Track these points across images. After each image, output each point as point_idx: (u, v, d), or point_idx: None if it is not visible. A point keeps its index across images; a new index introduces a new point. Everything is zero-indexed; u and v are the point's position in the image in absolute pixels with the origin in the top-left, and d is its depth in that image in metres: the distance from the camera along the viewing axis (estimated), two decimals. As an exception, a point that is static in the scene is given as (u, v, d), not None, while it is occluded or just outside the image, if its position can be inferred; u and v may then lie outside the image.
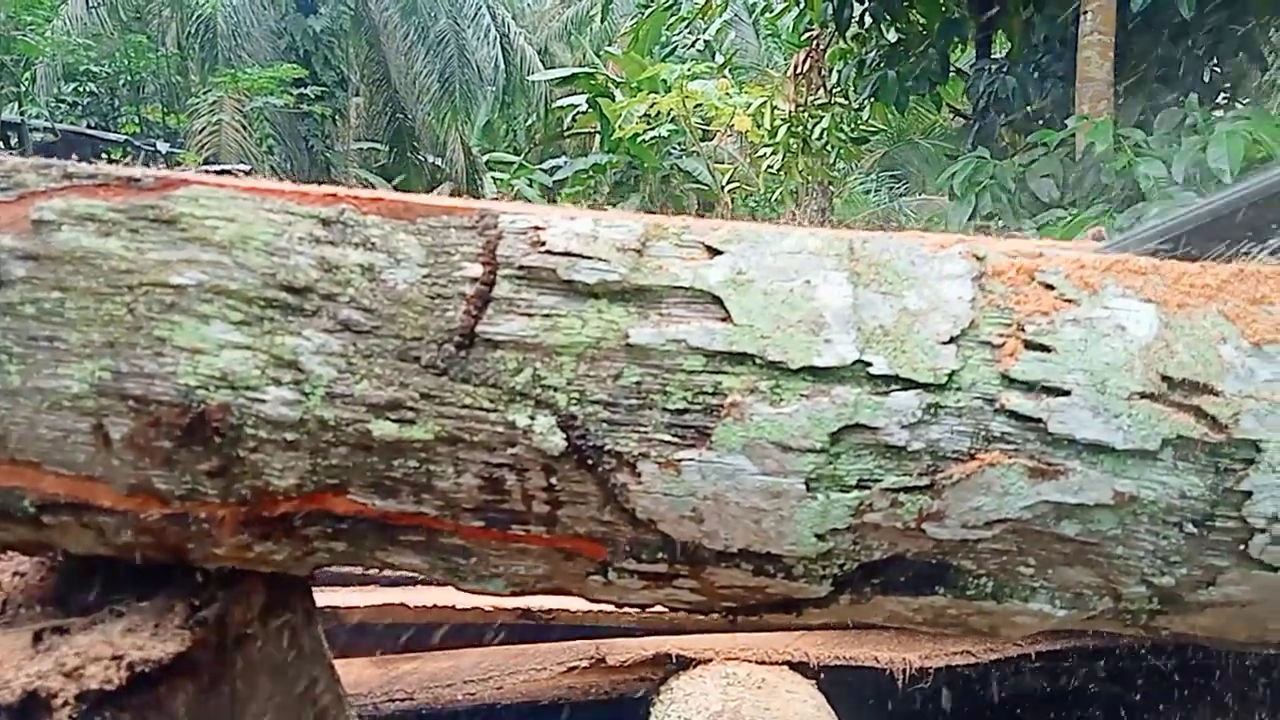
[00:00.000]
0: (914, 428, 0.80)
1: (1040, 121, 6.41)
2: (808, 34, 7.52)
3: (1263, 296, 0.84)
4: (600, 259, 0.79)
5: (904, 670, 1.83)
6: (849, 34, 6.89)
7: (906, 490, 0.81)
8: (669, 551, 0.84)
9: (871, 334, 0.79)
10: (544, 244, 0.79)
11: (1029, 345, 0.81)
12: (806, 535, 0.82)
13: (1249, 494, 0.82)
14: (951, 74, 7.09)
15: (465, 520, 0.82)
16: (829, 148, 7.68)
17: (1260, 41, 6.54)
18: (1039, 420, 0.80)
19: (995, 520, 0.82)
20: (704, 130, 11.45)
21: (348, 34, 14.25)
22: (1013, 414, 0.80)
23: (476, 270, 0.78)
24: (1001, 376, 0.81)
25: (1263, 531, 0.83)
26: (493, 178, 16.42)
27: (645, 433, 0.79)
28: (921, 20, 6.83)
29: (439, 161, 16.11)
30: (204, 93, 13.19)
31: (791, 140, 7.68)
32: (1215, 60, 6.34)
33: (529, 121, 16.62)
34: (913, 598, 0.89)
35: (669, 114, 10.58)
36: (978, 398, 0.81)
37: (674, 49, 12.03)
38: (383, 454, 0.79)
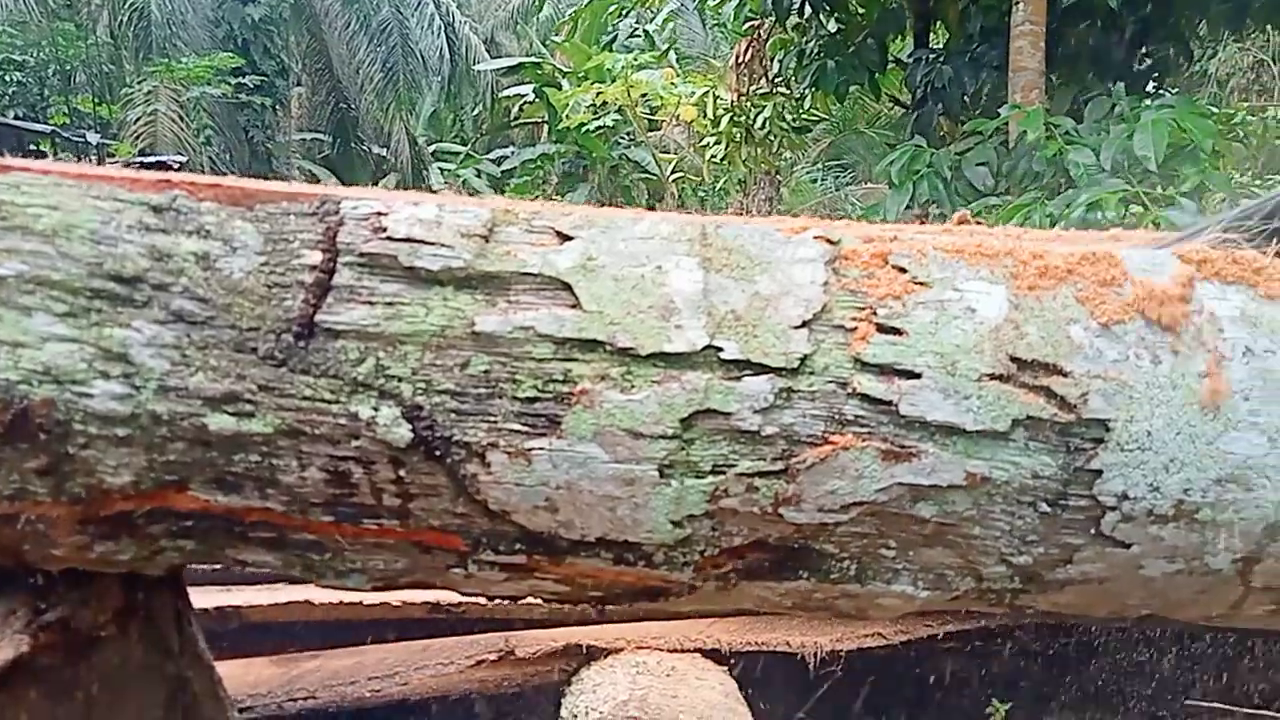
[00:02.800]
0: (767, 412, 0.79)
1: (977, 110, 6.49)
2: (749, 24, 7.54)
3: (1112, 279, 0.85)
4: (444, 245, 0.77)
5: (815, 654, 1.84)
6: (789, 24, 6.92)
7: (762, 475, 0.80)
8: (526, 542, 0.83)
9: (723, 319, 0.79)
10: (386, 230, 0.77)
11: (881, 328, 0.81)
12: (662, 522, 0.81)
13: (1099, 472, 0.83)
14: (891, 64, 7.16)
15: (314, 515, 0.80)
16: (772, 137, 7.71)
17: (1187, 32, 6.70)
18: (891, 403, 0.80)
19: (851, 503, 0.82)
20: (650, 120, 11.43)
21: (287, 22, 13.96)
22: (865, 397, 0.80)
23: (316, 258, 0.76)
24: (854, 360, 0.80)
25: (1113, 509, 0.85)
26: (439, 168, 16.24)
27: (494, 422, 0.77)
28: (860, 11, 6.88)
29: (384, 152, 15.90)
30: (138, 82, 12.85)
31: (735, 130, 7.69)
32: (1144, 50, 6.47)
33: (476, 111, 16.46)
34: (778, 582, 0.89)
35: (615, 104, 10.55)
36: (831, 381, 0.80)
37: (615, 37, 11.97)
38: (222, 449, 0.76)
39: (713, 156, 8.05)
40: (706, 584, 0.88)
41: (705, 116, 8.20)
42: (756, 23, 7.44)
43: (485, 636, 1.74)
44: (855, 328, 0.81)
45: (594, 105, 11.33)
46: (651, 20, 13.92)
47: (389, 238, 0.77)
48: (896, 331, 0.81)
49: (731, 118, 7.65)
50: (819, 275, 0.82)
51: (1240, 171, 8.22)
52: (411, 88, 14.63)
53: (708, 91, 8.09)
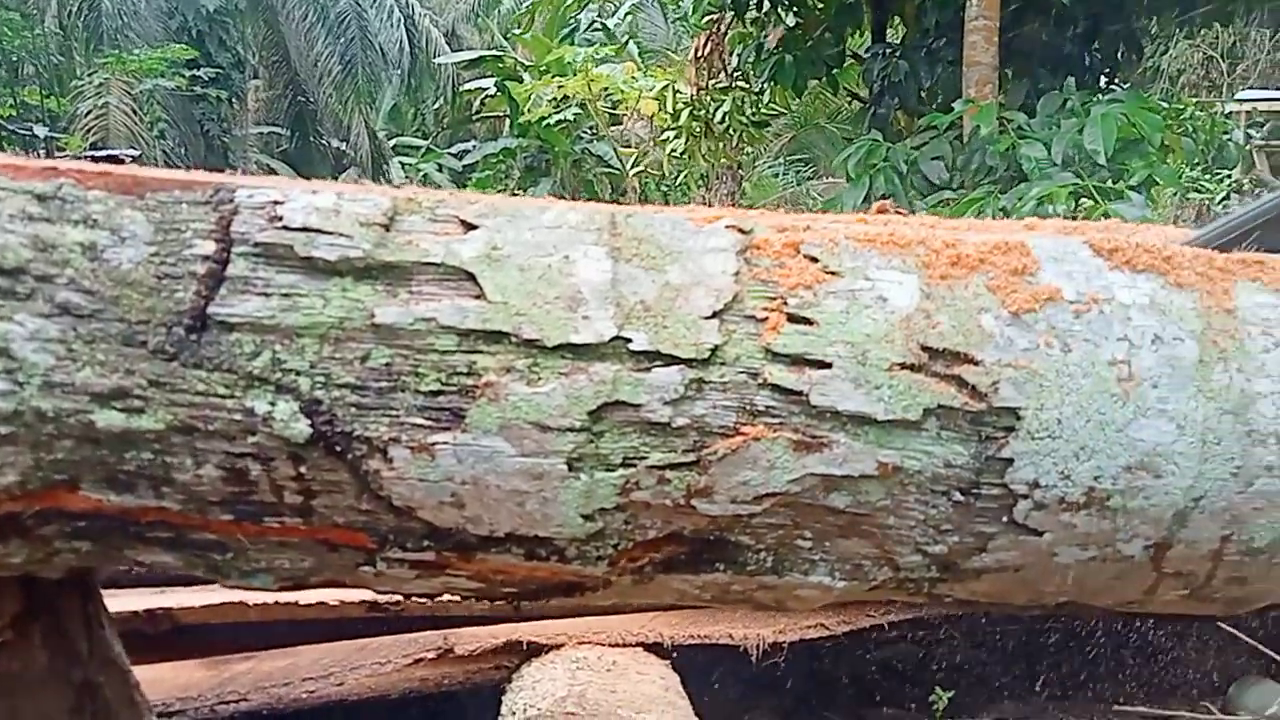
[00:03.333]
0: (677, 404, 0.78)
1: (934, 105, 6.54)
2: (709, 18, 7.53)
3: (1023, 268, 0.85)
4: (342, 234, 0.75)
5: (759, 646, 1.84)
6: (748, 18, 6.92)
7: (674, 467, 0.79)
8: (434, 539, 0.81)
9: (632, 310, 0.78)
10: (282, 219, 0.75)
11: (792, 318, 0.80)
12: (573, 516, 0.80)
13: (1010, 461, 0.83)
14: (850, 59, 7.19)
15: (213, 514, 0.78)
16: (731, 131, 7.72)
17: (1137, 29, 6.79)
18: (802, 393, 0.80)
19: (764, 494, 0.82)
20: (612, 114, 11.40)
21: (243, 14, 13.73)
22: (776, 387, 0.80)
23: (209, 248, 0.74)
24: (765, 350, 0.80)
25: (1025, 497, 0.85)
26: (400, 162, 16.07)
27: (396, 416, 0.75)
28: (819, 6, 6.90)
29: (344, 146, 15.70)
30: (89, 74, 12.56)
31: (694, 124, 7.69)
32: (1095, 46, 6.56)
33: (436, 105, 16.31)
34: (694, 575, 0.88)
35: (576, 98, 10.50)
36: (742, 372, 0.80)
37: (575, 30, 11.91)
38: (112, 446, 0.74)
39: (673, 150, 8.04)
40: (622, 578, 0.87)
41: (665, 110, 8.19)
42: (716, 17, 7.44)
43: (424, 635, 1.72)
44: (766, 318, 0.80)
45: (555, 99, 11.28)
46: (612, 14, 13.89)
47: (285, 227, 0.74)
48: (807, 321, 0.80)
49: (691, 112, 7.65)
50: (730, 265, 0.81)
51: (1190, 165, 8.38)
52: (371, 81, 14.44)
53: (667, 85, 8.08)
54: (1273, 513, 0.88)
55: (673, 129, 7.94)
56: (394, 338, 0.75)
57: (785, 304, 0.80)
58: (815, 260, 0.82)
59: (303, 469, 0.76)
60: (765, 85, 7.01)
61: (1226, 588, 0.95)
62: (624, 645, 1.75)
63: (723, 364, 0.79)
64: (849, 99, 8.13)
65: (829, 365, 0.80)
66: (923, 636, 1.98)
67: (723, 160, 8.23)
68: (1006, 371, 0.83)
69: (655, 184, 12.65)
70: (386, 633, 1.78)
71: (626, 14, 13.75)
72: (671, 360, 0.78)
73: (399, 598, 1.71)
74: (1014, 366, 0.83)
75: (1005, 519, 0.86)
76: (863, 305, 0.81)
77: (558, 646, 1.72)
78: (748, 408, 0.80)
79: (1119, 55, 6.55)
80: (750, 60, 7.00)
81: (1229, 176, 9.38)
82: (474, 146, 15.39)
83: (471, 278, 0.77)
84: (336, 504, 0.78)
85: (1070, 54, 6.36)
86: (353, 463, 0.76)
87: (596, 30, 13.53)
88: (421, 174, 15.20)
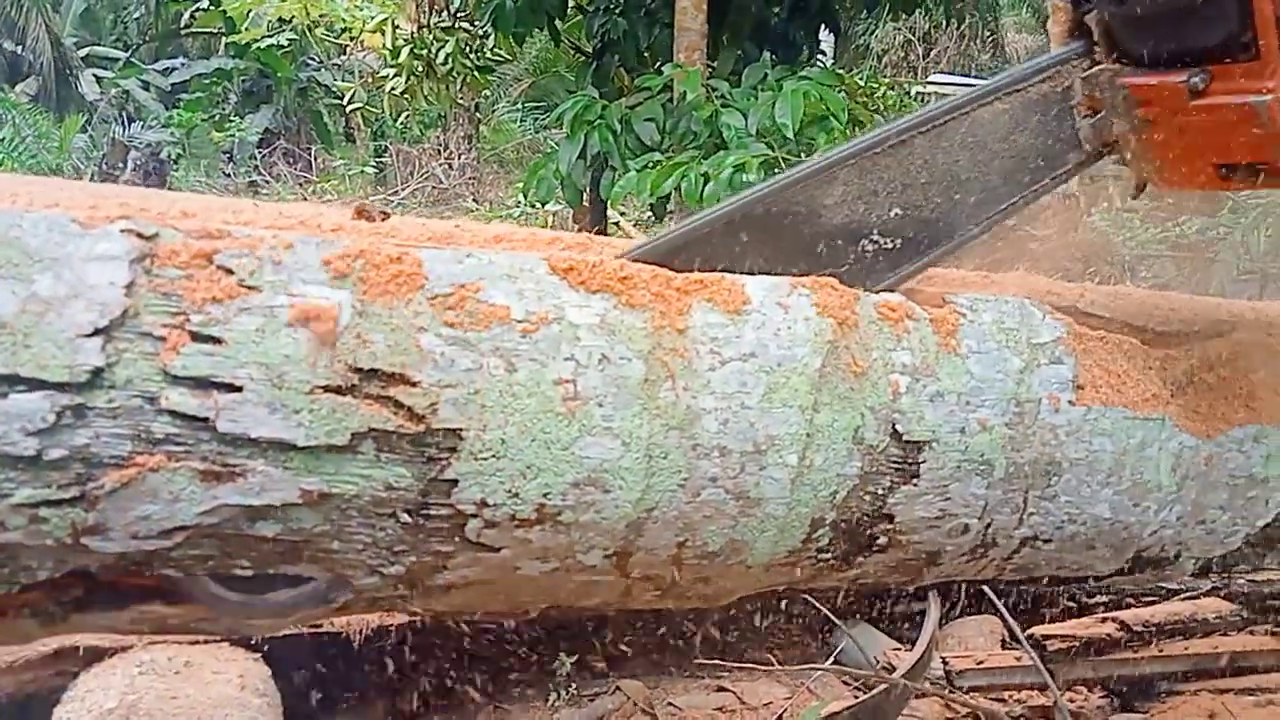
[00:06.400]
0: (49, 434, 0.69)
1: (656, 67, 6.65)
2: (431, -49, 7.17)
3: (477, 288, 0.83)
4: None
5: (362, 631, 1.79)
6: (470, -43, 6.66)
7: (50, 504, 0.70)
8: None
9: (-21, 328, 0.67)
10: None
11: (196, 336, 0.73)
12: (-81, 564, 0.69)
13: (455, 482, 0.82)
14: (574, 10, 7.13)
15: None
16: (454, 74, 7.44)
17: (837, 8, 7.24)
18: (207, 419, 0.73)
19: (174, 528, 0.75)
20: (335, 43, 10.66)
21: None
22: (176, 413, 0.72)
23: None
24: (162, 372, 0.72)
25: (475, 516, 0.84)
26: (94, 75, 14.17)
27: None
28: (545, -48, 6.75)
29: (19, 50, 13.59)
30: None
31: (415, 63, 7.34)
32: (800, 23, 6.92)
33: (139, 14, 14.50)
34: (120, 611, 0.80)
35: (294, 21, 9.70)
36: (136, 396, 0.72)
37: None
38: None
39: (393, 89, 7.64)
40: (21, 620, 0.77)
41: (386, 46, 7.75)
42: (438, -49, 7.10)
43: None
44: (165, 336, 0.72)
45: (274, 20, 10.36)
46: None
47: None
48: (214, 340, 0.73)
49: (412, 50, 7.28)
50: (122, 275, 0.72)
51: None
52: (52, -19, 12.55)
53: (387, 19, 7.64)
54: (720, 520, 0.94)
55: (393, 66, 7.53)
56: None
57: (189, 321, 0.73)
58: (230, 273, 0.75)
59: None
60: (485, 29, 6.81)
61: (694, 587, 1.00)
62: (206, 642, 1.63)
63: (111, 387, 0.71)
64: (569, 50, 8.09)
65: (239, 389, 0.74)
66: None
67: (445, 102, 7.94)
68: (447, 392, 0.80)
69: (387, 120, 12.05)
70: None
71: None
72: (37, 384, 0.68)
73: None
74: (454, 387, 0.81)
75: (458, 538, 0.85)
76: (282, 323, 0.75)
77: (125, 649, 1.58)
78: (144, 436, 0.72)
79: (819, 32, 6.96)
80: (472, 3, 6.77)
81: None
82: (183, 64, 13.87)
83: None
84: None
85: (776, 28, 6.68)
86: None
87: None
88: (123, 91, 13.49)
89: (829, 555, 1.03)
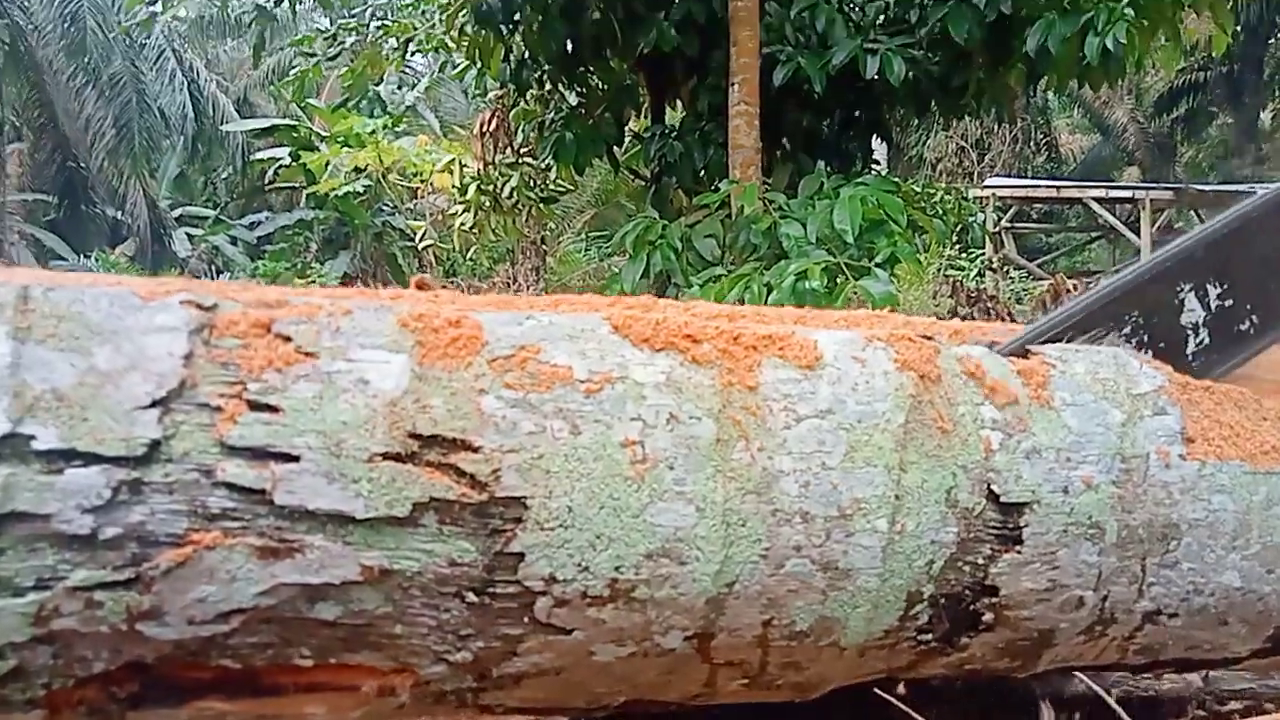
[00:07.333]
0: (104, 510, 0.67)
1: (713, 185, 6.82)
2: (494, 93, 7.58)
3: (538, 349, 0.81)
4: None
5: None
6: (532, 96, 7.02)
7: (105, 586, 0.68)
8: None
9: (37, 400, 0.66)
10: None
11: (253, 405, 0.71)
12: (-26, 653, 0.66)
13: (522, 555, 0.77)
14: (632, 139, 7.42)
15: None
16: (520, 206, 7.74)
17: (889, 119, 7.39)
18: (263, 491, 0.71)
19: (231, 611, 0.71)
20: (407, 187, 11.23)
21: (1, 71, 12.65)
22: (232, 486, 0.70)
23: None
24: (219, 444, 0.70)
25: (544, 594, 0.79)
26: (186, 233, 15.15)
27: None
28: (601, 86, 7.09)
29: (120, 215, 14.64)
30: None
31: (482, 197, 7.66)
32: (851, 133, 7.07)
33: (227, 174, 15.56)
34: (177, 709, 0.76)
35: (368, 169, 10.28)
36: (192, 470, 0.70)
37: (373, 102, 11.73)
38: None
39: (462, 224, 7.96)
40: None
41: (454, 185, 8.13)
42: (500, 92, 7.50)
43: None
44: (222, 406, 0.71)
45: (350, 170, 10.99)
46: (413, 87, 13.81)
47: None
48: (272, 409, 0.72)
49: (479, 186, 7.61)
50: (180, 346, 0.71)
51: (942, 245, 9.13)
52: (150, 147, 13.59)
53: (454, 159, 8.03)
54: (808, 594, 0.86)
55: (461, 203, 7.87)
56: None
57: (246, 389, 0.71)
58: (288, 340, 0.74)
59: None
60: (546, 161, 7.11)
61: (784, 674, 0.92)
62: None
63: (168, 461, 0.69)
64: (630, 178, 8.36)
65: (297, 458, 0.71)
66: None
67: (513, 235, 8.22)
68: (509, 458, 0.77)
69: (459, 258, 12.52)
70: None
71: (426, 87, 13.71)
72: (93, 459, 0.67)
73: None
74: (517, 451, 0.77)
75: (527, 619, 0.80)
76: (340, 389, 0.74)
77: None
78: (200, 511, 0.70)
79: (871, 141, 7.08)
80: (533, 136, 7.09)
81: (981, 255, 10.29)
82: (267, 218, 14.75)
83: None
84: None
85: (828, 139, 6.82)
86: None
87: (402, 104, 13.38)
88: (212, 246, 14.37)
89: (930, 636, 0.94)
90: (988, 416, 0.95)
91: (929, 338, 0.99)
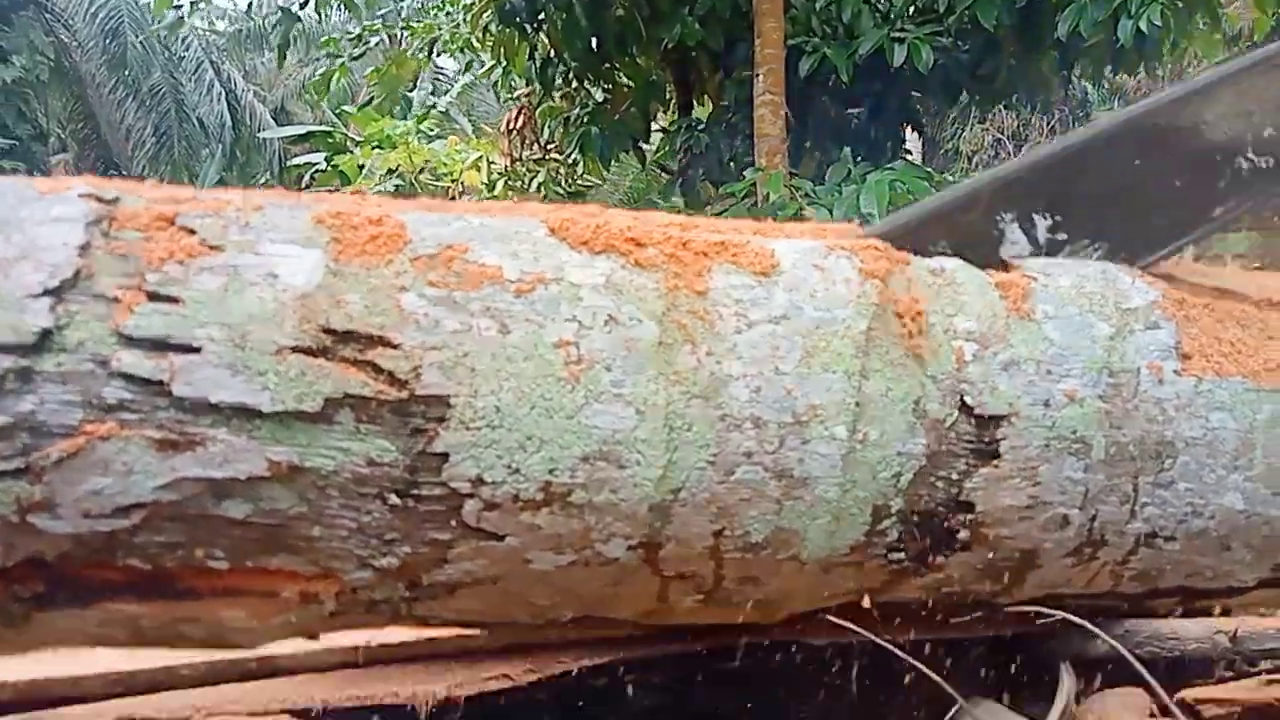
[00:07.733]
0: (-6, 399, 0.64)
1: (739, 175, 6.76)
2: (520, 91, 7.60)
3: (465, 248, 0.77)
4: None
5: (428, 703, 1.67)
6: (558, 92, 7.02)
7: (-5, 477, 0.65)
8: None
9: (-76, 286, 0.64)
10: None
11: (152, 296, 0.68)
12: None
13: (445, 455, 0.73)
14: (658, 132, 7.39)
15: None
16: (547, 201, 7.74)
17: (918, 109, 7.26)
18: (162, 383, 0.67)
19: (130, 505, 0.68)
20: (439, 186, 11.28)
21: (46, 85, 12.98)
22: (129, 377, 0.67)
23: None
24: (116, 334, 0.67)
25: (471, 496, 0.74)
26: (226, 240, 15.40)
27: None
28: (628, 82, 7.07)
29: (162, 223, 14.92)
30: None
31: (510, 194, 7.67)
32: (881, 123, 6.95)
33: (264, 180, 15.80)
34: (81, 610, 0.73)
35: (399, 170, 10.35)
36: (87, 360, 0.67)
37: (406, 107, 11.82)
38: None
39: (489, 221, 7.98)
40: (-20, 626, 0.71)
41: (482, 182, 8.15)
42: (526, 90, 7.51)
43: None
44: (120, 297, 0.68)
45: (383, 172, 11.08)
46: (446, 93, 13.91)
47: None
48: (171, 300, 0.68)
49: (505, 182, 7.63)
50: (76, 237, 0.68)
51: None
52: (190, 155, 13.85)
53: (482, 156, 8.06)
54: (761, 503, 0.81)
55: (489, 199, 7.90)
56: None
57: (145, 280, 0.68)
58: (192, 233, 0.71)
59: None
60: (573, 156, 7.10)
61: (742, 589, 0.87)
62: (265, 714, 1.54)
63: (60, 351, 0.66)
64: (654, 170, 8.31)
65: (198, 350, 0.68)
66: (611, 684, 1.85)
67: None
68: (431, 355, 0.73)
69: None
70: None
71: (459, 92, 13.80)
72: (-18, 346, 0.64)
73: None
74: (440, 349, 0.73)
75: (455, 522, 0.75)
76: (246, 282, 0.70)
77: (177, 729, 1.50)
78: (95, 403, 0.67)
79: (901, 130, 6.96)
80: (559, 132, 7.08)
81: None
82: (304, 223, 14.92)
83: None
84: None
85: (857, 129, 6.72)
86: None
87: (434, 107, 13.48)
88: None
89: (902, 554, 0.88)
90: (961, 328, 0.89)
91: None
